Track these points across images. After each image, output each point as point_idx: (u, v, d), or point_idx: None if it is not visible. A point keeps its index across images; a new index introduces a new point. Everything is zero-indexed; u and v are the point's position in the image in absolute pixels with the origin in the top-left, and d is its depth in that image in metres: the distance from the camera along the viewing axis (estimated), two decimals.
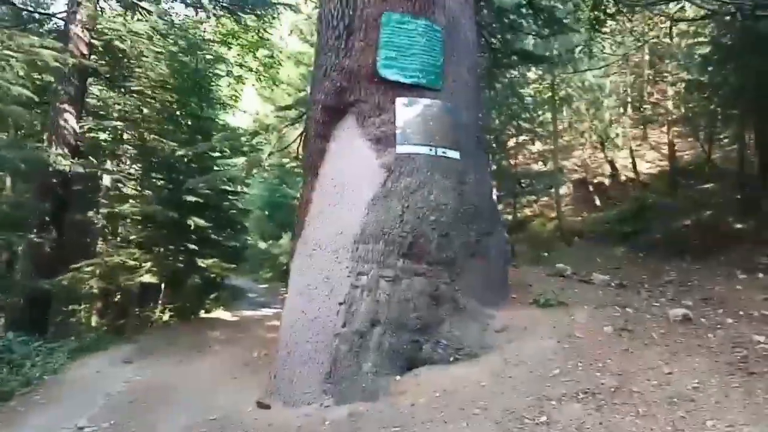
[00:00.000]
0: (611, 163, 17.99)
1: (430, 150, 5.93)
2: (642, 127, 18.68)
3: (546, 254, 11.91)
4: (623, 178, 17.89)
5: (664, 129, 17.23)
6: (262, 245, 23.93)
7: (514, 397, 4.52)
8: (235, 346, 9.41)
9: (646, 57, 16.36)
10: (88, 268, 11.24)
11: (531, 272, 8.17)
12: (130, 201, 12.28)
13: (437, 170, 5.90)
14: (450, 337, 5.52)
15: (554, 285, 7.07)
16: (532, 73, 14.89)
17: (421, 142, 5.93)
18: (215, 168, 12.33)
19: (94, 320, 12.87)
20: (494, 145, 15.09)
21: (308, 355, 5.53)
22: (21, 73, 10.40)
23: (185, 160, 12.73)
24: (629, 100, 17.47)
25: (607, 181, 18.10)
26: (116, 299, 13.88)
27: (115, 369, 7.59)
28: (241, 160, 13.00)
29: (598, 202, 16.48)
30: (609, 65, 14.10)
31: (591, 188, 17.08)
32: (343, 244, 5.72)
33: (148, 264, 12.11)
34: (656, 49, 15.30)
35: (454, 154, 6.07)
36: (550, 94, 14.25)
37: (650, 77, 16.09)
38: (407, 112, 5.97)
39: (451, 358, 5.41)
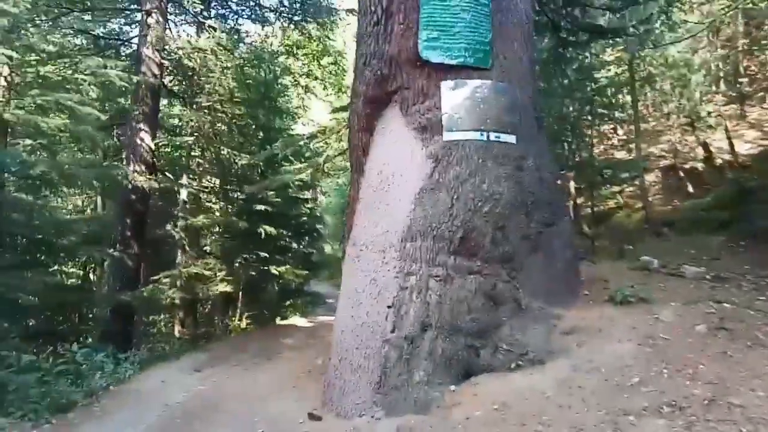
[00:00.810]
0: (704, 145, 16.22)
1: (482, 135, 5.33)
2: (738, 104, 16.72)
3: (630, 247, 10.74)
4: (719, 161, 16.08)
5: (766, 104, 15.30)
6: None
7: (584, 411, 3.82)
8: (304, 352, 9.18)
9: (740, 25, 14.55)
10: (166, 280, 11.47)
11: (610, 267, 7.26)
12: (203, 213, 12.47)
13: (490, 157, 5.29)
14: (511, 341, 4.87)
15: (636, 279, 6.18)
16: (608, 55, 13.67)
17: (471, 127, 5.34)
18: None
19: (176, 330, 13.19)
20: (570, 134, 14.02)
21: (357, 363, 5.09)
22: (93, 95, 10.80)
23: (257, 171, 12.79)
24: (722, 75, 15.64)
25: (700, 166, 16.32)
26: (197, 309, 14.16)
27: (181, 378, 7.52)
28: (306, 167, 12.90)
29: (690, 189, 14.86)
30: (695, 36, 12.63)
31: (682, 174, 15.46)
32: (390, 242, 5.24)
33: (223, 273, 12.20)
34: (751, 14, 13.55)
35: (510, 138, 5.42)
36: (628, 74, 12.97)
37: (745, 47, 14.28)
38: (454, 95, 5.41)
39: (513, 365, 4.76)
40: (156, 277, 11.71)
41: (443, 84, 5.41)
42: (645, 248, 10.88)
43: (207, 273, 11.80)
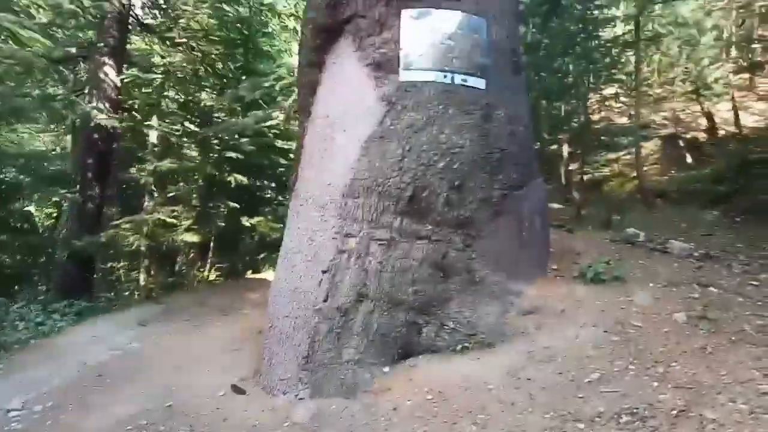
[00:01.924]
0: (708, 115, 15.25)
1: (445, 77, 4.47)
2: (749, 73, 15.61)
3: (618, 218, 9.98)
4: (722, 132, 15.15)
5: None
6: None
7: (528, 411, 3.14)
8: (264, 309, 8.56)
9: None
10: (127, 225, 10.72)
11: (588, 238, 6.51)
12: (170, 158, 11.59)
13: (453, 103, 4.44)
14: (459, 319, 4.16)
15: (614, 254, 5.44)
16: (614, 10, 12.50)
17: (433, 66, 4.47)
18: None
19: (142, 278, 12.55)
20: (567, 94, 13.06)
21: (286, 333, 4.41)
22: (44, 20, 9.78)
23: (226, 114, 11.87)
24: (734, 40, 14.47)
25: (701, 137, 15.40)
26: (167, 258, 13.50)
27: (118, 333, 6.88)
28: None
29: (689, 160, 14.00)
30: None
31: (682, 144, 14.55)
32: (331, 197, 4.47)
33: (189, 222, 11.46)
34: None
35: (478, 83, 4.56)
36: (633, 32, 11.86)
37: (763, 10, 13.10)
38: (416, 27, 4.52)
39: (458, 347, 4.07)
40: (116, 222, 10.96)
41: (404, 13, 4.51)
42: (634, 219, 10.13)
43: (170, 221, 11.02)
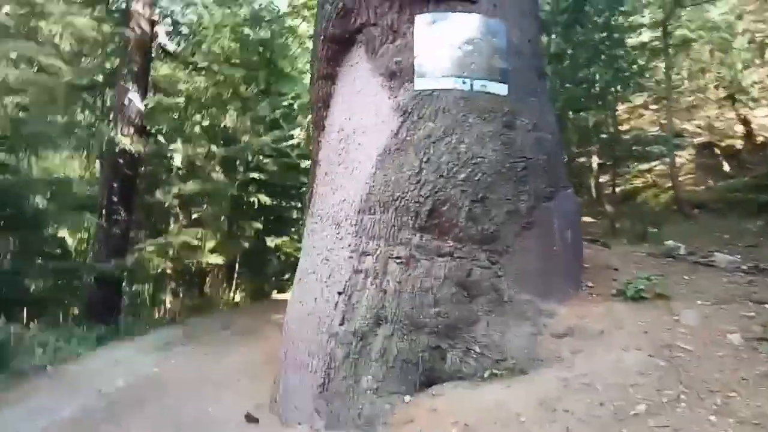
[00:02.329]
0: (744, 121, 14.57)
1: (464, 83, 4.19)
2: None
3: (655, 230, 9.45)
4: (760, 139, 14.44)
5: None
6: None
7: None
8: None
9: None
10: (151, 248, 10.67)
11: (625, 252, 6.07)
12: (192, 180, 11.56)
13: (473, 111, 4.15)
14: (486, 343, 3.80)
15: (655, 269, 5.00)
16: (640, 16, 12.07)
17: (451, 73, 4.20)
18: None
19: (168, 301, 12.47)
20: (594, 104, 12.59)
21: (302, 360, 4.13)
22: (68, 49, 9.87)
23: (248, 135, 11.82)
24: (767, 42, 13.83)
25: (738, 144, 14.70)
26: (194, 280, 13.42)
27: (138, 358, 6.68)
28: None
29: (727, 168, 13.33)
30: None
31: (718, 152, 13.90)
32: (346, 214, 4.21)
33: (212, 244, 11.36)
34: None
35: (500, 89, 4.26)
36: (661, 36, 11.40)
37: None
38: (431, 33, 4.27)
39: (486, 373, 3.70)
40: (141, 246, 10.93)
41: (418, 19, 4.26)
42: (671, 231, 9.58)
43: (194, 243, 10.93)
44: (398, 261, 3.91)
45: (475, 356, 3.76)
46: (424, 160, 4.00)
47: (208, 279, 14.54)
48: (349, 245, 4.10)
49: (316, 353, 4.00)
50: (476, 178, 3.99)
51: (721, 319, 3.81)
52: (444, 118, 4.09)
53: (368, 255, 3.99)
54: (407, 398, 3.64)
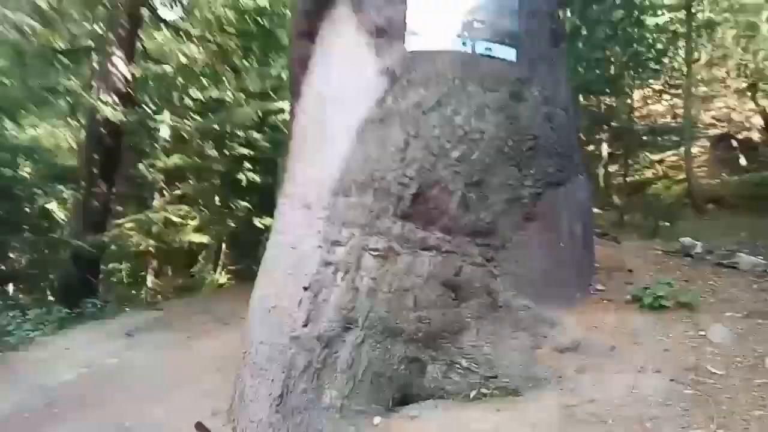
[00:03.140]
0: (764, 113, 13.80)
1: (464, 44, 3.51)
2: None
3: (667, 224, 8.79)
4: None
5: None
6: None
7: None
8: None
9: None
10: (130, 225, 10.06)
11: (638, 249, 5.42)
12: (178, 154, 10.90)
13: (473, 78, 3.47)
14: (475, 356, 3.18)
15: (673, 271, 4.36)
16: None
17: (448, 32, 3.52)
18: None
19: (149, 281, 11.90)
20: (613, 92, 11.84)
21: (260, 364, 3.51)
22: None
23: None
24: None
25: (756, 137, 13.95)
26: (179, 259, 12.85)
27: (93, 348, 6.09)
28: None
29: (743, 162, 12.62)
30: None
31: (735, 144, 13.16)
32: (318, 195, 3.56)
33: (196, 222, 10.73)
34: None
35: (506, 53, 3.58)
36: (685, 16, 10.59)
37: None
38: None
39: (473, 393, 3.08)
40: (120, 221, 10.33)
41: None
42: (685, 227, 8.94)
43: (176, 220, 10.32)
44: (375, 253, 3.28)
45: (460, 371, 3.14)
46: (412, 133, 3.34)
47: (200, 258, 13.99)
48: (319, 232, 3.46)
49: (276, 358, 3.38)
50: (473, 158, 3.34)
51: (757, 337, 3.19)
52: (438, 84, 3.42)
53: (340, 245, 3.36)
54: (377, 420, 3.02)
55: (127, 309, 8.91)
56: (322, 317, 3.26)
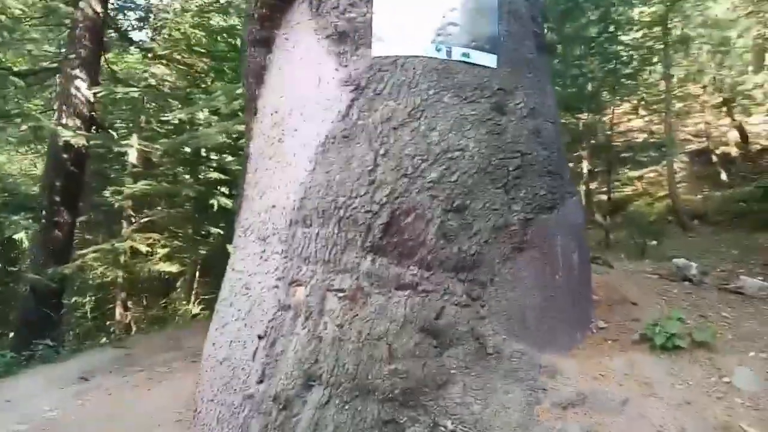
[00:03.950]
0: (740, 128, 13.65)
1: (438, 50, 3.01)
2: None
3: (654, 242, 8.39)
4: (757, 147, 13.53)
5: None
6: None
7: None
8: None
9: None
10: (93, 255, 9.33)
11: (633, 275, 4.92)
12: (146, 179, 10.23)
13: (450, 87, 2.97)
14: (462, 416, 2.61)
15: (677, 301, 3.87)
16: (637, 13, 11.02)
17: (421, 36, 3.03)
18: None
19: (118, 314, 11.10)
20: (591, 109, 11.52)
21: (210, 426, 2.90)
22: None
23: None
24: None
25: (734, 152, 13.76)
26: (149, 290, 12.09)
27: (40, 394, 5.37)
28: None
29: (724, 177, 12.36)
30: None
31: (715, 160, 12.92)
32: (275, 227, 3.00)
33: (166, 250, 10.04)
34: None
35: (487, 60, 3.10)
36: (662, 31, 10.36)
37: None
38: None
39: None
40: (83, 252, 9.59)
41: None
42: (672, 245, 8.54)
43: (144, 249, 9.61)
44: (340, 295, 2.72)
45: None
46: (381, 152, 2.82)
47: (178, 287, 13.21)
48: (276, 269, 2.90)
49: (227, 421, 2.80)
50: (452, 179, 2.82)
51: None
52: (410, 95, 2.91)
53: (300, 285, 2.80)
54: None
55: (87, 347, 8.18)
56: (279, 372, 2.69)
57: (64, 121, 9.89)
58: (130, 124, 11.68)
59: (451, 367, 2.68)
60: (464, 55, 3.03)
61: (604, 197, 11.70)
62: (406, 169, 2.79)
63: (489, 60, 3.09)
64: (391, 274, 2.73)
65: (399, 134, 2.84)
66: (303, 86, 3.16)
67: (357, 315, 2.68)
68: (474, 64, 3.05)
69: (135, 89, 10.74)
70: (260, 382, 2.73)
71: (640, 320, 3.28)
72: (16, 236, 12.05)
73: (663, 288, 4.18)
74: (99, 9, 10.17)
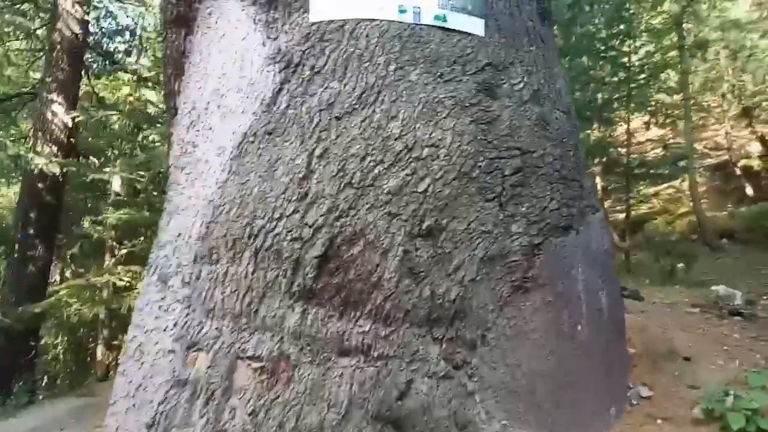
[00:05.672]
0: (762, 139, 12.61)
1: (403, 12, 2.12)
2: None
3: (681, 265, 7.34)
4: None
5: None
6: None
7: None
8: None
9: None
10: (65, 291, 8.48)
11: (671, 310, 3.90)
12: (127, 208, 9.43)
13: (419, 61, 2.08)
14: None
15: (740, 351, 2.86)
16: (649, 18, 10.16)
17: None
18: None
19: (99, 353, 10.18)
20: (603, 121, 10.62)
21: None
22: None
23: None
24: None
25: (756, 165, 12.68)
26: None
27: None
28: None
29: (750, 192, 11.28)
30: None
31: (739, 173, 11.86)
32: (179, 263, 2.09)
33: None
34: None
35: (470, 25, 2.20)
36: (677, 36, 9.47)
37: None
38: None
39: None
40: (56, 288, 8.77)
41: None
42: (702, 268, 7.49)
43: (120, 283, 8.74)
44: (255, 366, 1.79)
45: None
46: (317, 153, 1.92)
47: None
48: (175, 326, 1.98)
49: None
50: (420, 189, 1.90)
51: None
52: (361, 72, 2.02)
53: (200, 350, 1.87)
54: None
55: (50, 396, 7.28)
56: None
57: (39, 147, 9.18)
58: (116, 151, 10.95)
59: None
60: (439, 18, 2.15)
61: (620, 216, 10.66)
62: (353, 175, 1.88)
63: (474, 25, 2.20)
64: (329, 332, 1.80)
65: (343, 127, 1.94)
66: (226, 71, 2.29)
67: (279, 397, 1.74)
68: (453, 31, 2.16)
69: (114, 112, 10.08)
70: None
71: (698, 386, 2.29)
72: None
73: (716, 330, 3.18)
74: (77, 30, 9.54)
